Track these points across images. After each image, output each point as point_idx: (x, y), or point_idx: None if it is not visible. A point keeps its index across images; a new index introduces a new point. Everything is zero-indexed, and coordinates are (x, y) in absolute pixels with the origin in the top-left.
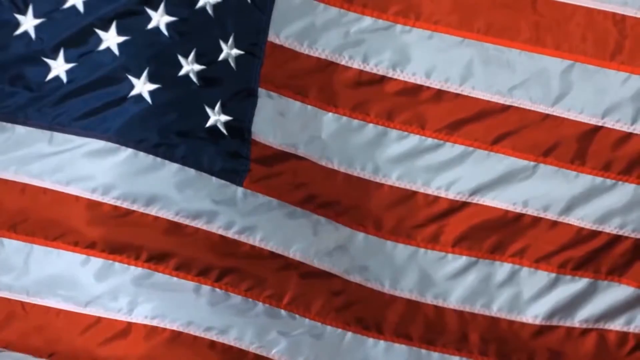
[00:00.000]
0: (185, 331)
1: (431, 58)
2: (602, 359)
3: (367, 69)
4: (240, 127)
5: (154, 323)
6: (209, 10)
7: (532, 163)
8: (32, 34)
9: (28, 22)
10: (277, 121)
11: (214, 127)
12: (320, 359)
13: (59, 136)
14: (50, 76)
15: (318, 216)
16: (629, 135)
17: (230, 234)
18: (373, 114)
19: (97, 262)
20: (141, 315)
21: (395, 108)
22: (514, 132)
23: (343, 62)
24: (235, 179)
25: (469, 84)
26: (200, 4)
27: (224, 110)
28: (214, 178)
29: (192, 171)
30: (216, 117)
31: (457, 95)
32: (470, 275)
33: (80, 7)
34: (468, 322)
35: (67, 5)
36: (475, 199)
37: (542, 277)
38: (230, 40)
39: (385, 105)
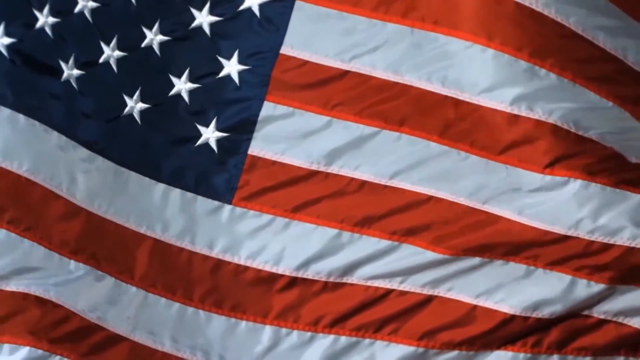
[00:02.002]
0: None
1: None
2: None
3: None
4: (237, 143)
5: None
6: (206, 30)
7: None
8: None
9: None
10: (281, 132)
11: (206, 146)
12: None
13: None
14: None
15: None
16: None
17: (213, 253)
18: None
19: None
20: None
21: None
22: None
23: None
24: (224, 197)
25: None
26: (195, 24)
27: (221, 127)
28: (199, 197)
29: (176, 191)
30: (209, 135)
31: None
32: None
33: (90, 18)
34: None
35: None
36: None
37: None
38: (234, 56)
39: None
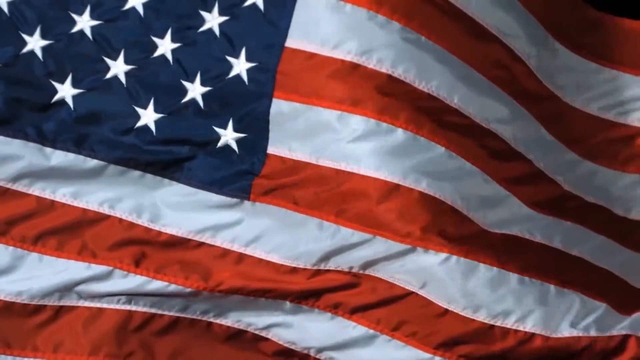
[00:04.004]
0: None
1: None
2: None
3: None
4: (254, 143)
5: None
6: (215, 31)
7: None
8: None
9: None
10: (292, 130)
11: (227, 147)
12: None
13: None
14: (55, 99)
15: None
16: None
17: (235, 247)
18: (402, 119)
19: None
20: None
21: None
22: None
23: (371, 66)
24: (243, 196)
25: None
26: (205, 27)
27: (237, 128)
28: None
29: (200, 192)
30: (228, 136)
31: None
32: None
33: (90, 35)
34: None
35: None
36: None
37: None
38: (242, 55)
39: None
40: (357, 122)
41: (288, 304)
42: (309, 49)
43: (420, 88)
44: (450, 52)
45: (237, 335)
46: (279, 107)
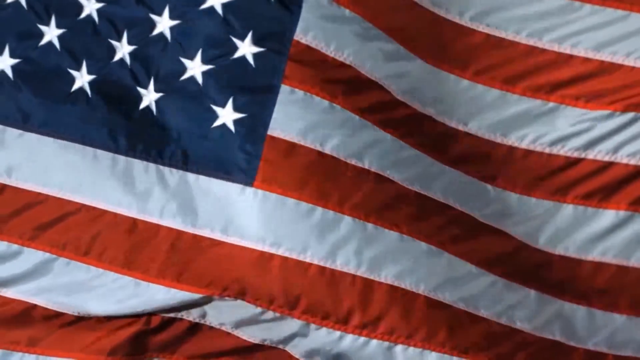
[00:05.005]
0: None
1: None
2: None
3: None
4: (255, 124)
5: None
6: (218, 9)
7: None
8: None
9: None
10: (300, 117)
11: (223, 126)
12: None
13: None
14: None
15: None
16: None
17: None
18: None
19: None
20: None
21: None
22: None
23: (363, 72)
24: (243, 180)
25: None
26: (206, 4)
27: (238, 108)
28: (219, 180)
29: (197, 176)
30: (227, 116)
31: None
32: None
33: (96, 18)
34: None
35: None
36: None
37: None
38: (248, 37)
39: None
40: None
41: None
42: (315, 45)
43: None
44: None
45: None
46: (287, 94)
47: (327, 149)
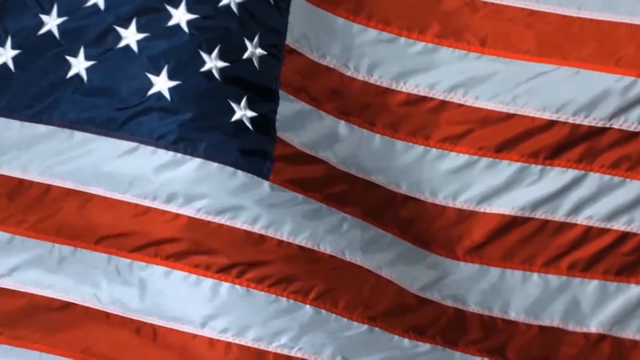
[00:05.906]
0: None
1: (434, 70)
2: None
3: (372, 80)
4: (266, 124)
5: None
6: (234, 8)
7: (539, 166)
8: (56, 33)
9: (52, 22)
10: (297, 123)
11: (240, 122)
12: (345, 354)
13: (78, 135)
14: (70, 74)
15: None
16: (635, 134)
17: (256, 228)
18: (379, 125)
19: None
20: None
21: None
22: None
23: (348, 73)
24: (261, 173)
25: (473, 94)
26: (224, 2)
27: (250, 107)
28: (239, 172)
29: (214, 165)
30: (242, 112)
31: (461, 105)
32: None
33: (102, 5)
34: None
35: (89, 3)
36: (483, 208)
37: (553, 280)
38: (256, 39)
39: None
40: None
41: None
42: (303, 52)
43: None
44: None
45: None
46: (285, 98)
47: None
